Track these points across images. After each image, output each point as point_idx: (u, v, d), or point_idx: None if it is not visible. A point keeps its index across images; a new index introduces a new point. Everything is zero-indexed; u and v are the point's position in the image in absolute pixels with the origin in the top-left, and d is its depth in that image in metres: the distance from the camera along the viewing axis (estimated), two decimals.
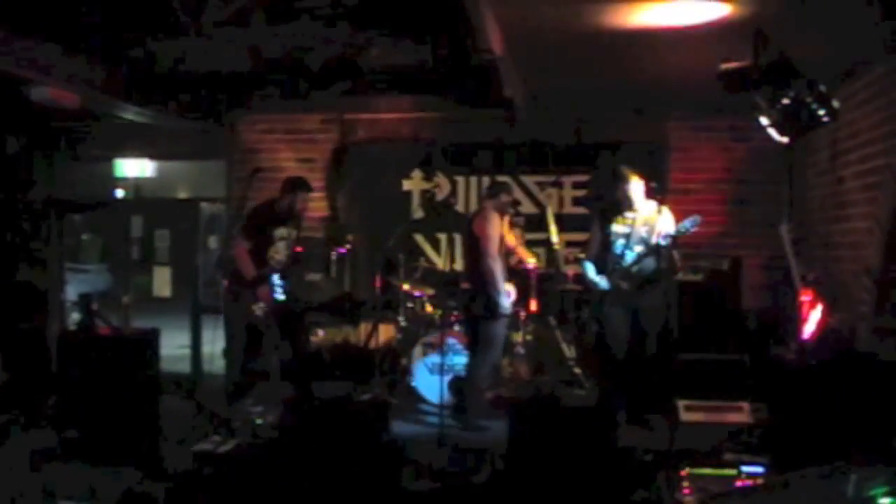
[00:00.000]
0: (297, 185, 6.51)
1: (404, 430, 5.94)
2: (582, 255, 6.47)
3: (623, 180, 6.07)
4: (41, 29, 5.74)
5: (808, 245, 6.95)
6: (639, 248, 5.98)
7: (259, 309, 6.21)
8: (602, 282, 6.10)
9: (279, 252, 6.38)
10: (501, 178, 8.15)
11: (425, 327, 7.06)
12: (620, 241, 6.07)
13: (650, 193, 6.15)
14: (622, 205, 6.11)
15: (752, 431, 5.33)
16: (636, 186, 6.05)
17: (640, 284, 6.02)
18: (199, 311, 7.66)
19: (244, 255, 6.24)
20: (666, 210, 6.08)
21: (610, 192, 6.33)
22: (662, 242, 5.88)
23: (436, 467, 4.97)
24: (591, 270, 6.18)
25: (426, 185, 8.21)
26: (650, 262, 6.01)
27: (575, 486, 4.03)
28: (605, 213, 6.24)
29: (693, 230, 5.83)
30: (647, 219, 6.03)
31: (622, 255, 6.03)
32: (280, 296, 6.23)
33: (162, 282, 17.45)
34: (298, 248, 6.66)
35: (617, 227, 6.11)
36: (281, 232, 6.40)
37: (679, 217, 6.01)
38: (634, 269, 5.99)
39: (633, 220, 6.05)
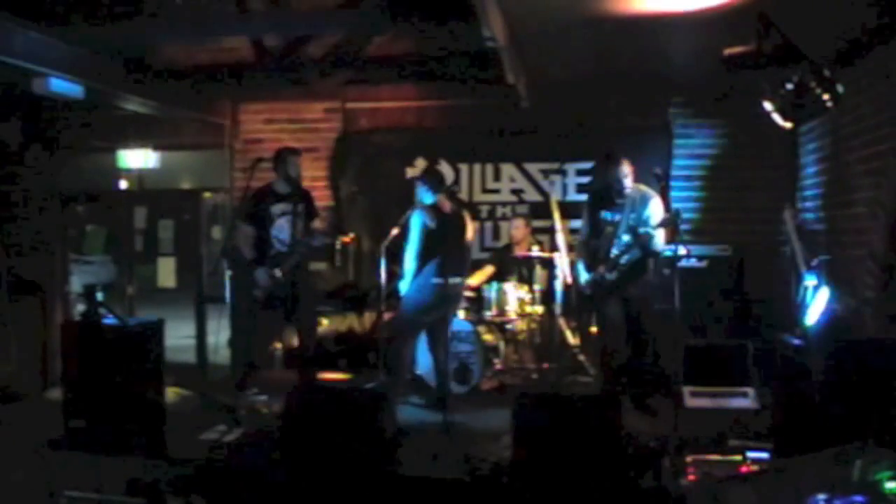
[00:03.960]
0: (284, 152, 6.50)
1: (408, 419, 5.94)
2: (577, 242, 6.49)
3: (615, 164, 6.04)
4: (43, 19, 5.74)
5: (812, 230, 6.94)
6: (626, 237, 5.91)
7: (263, 281, 6.24)
8: (585, 277, 6.12)
9: (283, 230, 6.37)
10: (504, 165, 8.18)
11: None
12: (609, 229, 6.06)
13: (646, 179, 6.12)
14: (612, 190, 6.09)
15: (756, 417, 5.35)
16: (626, 172, 6.02)
17: (626, 274, 6.00)
18: (203, 301, 7.67)
19: (246, 241, 6.33)
20: (656, 198, 6.02)
21: (603, 176, 6.30)
22: (652, 233, 5.83)
23: (439, 456, 4.99)
24: (581, 266, 6.22)
25: None
26: (638, 251, 5.98)
27: (580, 474, 4.03)
28: (596, 199, 6.22)
29: (666, 219, 5.68)
30: (636, 205, 6.01)
31: (610, 243, 6.02)
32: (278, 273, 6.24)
33: (166, 272, 17.47)
34: (348, 239, 6.69)
35: (606, 215, 6.10)
36: (281, 207, 6.39)
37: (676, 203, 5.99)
38: (622, 258, 5.97)
39: (622, 206, 6.03)
